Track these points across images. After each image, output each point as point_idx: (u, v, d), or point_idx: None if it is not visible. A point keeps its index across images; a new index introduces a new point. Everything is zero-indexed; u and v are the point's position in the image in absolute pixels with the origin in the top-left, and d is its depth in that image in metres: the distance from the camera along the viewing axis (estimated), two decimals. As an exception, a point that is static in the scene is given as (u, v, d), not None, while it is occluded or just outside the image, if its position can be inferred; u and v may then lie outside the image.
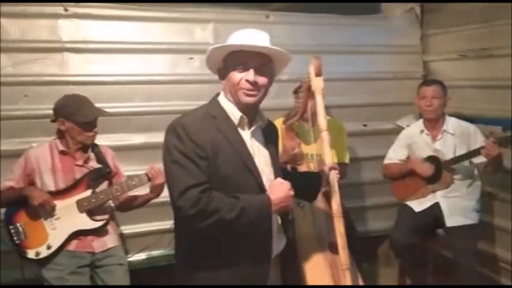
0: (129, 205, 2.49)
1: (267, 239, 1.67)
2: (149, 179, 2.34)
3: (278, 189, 1.65)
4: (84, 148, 2.37)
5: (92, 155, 2.39)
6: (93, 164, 2.38)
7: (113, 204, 2.51)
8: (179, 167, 1.55)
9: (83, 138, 2.31)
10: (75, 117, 2.26)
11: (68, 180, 2.31)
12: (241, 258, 1.63)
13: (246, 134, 1.69)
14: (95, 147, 2.42)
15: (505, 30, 2.82)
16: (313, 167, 2.42)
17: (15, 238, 2.26)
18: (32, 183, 2.31)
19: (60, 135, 2.34)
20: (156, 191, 2.37)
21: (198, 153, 1.56)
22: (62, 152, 2.33)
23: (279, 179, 1.68)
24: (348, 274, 1.74)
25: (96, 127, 2.35)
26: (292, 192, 1.66)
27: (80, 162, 2.35)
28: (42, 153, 2.32)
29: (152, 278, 2.90)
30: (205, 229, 1.55)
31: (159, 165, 1.84)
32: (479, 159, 2.59)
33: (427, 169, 2.74)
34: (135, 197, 2.48)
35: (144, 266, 2.96)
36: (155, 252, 3.00)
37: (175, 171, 1.57)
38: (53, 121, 2.33)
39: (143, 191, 2.45)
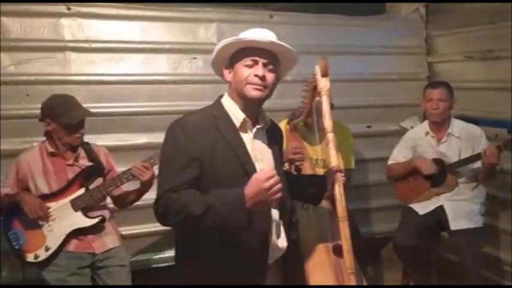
0: (125, 200, 2.47)
1: (262, 245, 1.64)
2: (135, 177, 2.30)
3: (253, 182, 1.50)
4: (73, 147, 2.35)
5: (82, 153, 2.37)
6: (85, 162, 2.36)
7: (111, 206, 2.49)
8: (166, 168, 1.59)
9: (69, 140, 2.29)
10: (61, 118, 2.24)
11: (61, 182, 2.29)
12: (236, 262, 1.61)
13: (247, 136, 1.68)
14: (85, 145, 2.39)
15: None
16: (318, 172, 2.38)
17: (14, 243, 2.26)
18: (26, 188, 2.29)
19: (48, 136, 2.32)
20: (146, 185, 2.32)
21: (192, 153, 1.56)
22: (51, 154, 2.31)
23: (259, 173, 1.56)
24: (352, 278, 1.72)
25: (83, 128, 2.32)
26: (267, 184, 1.47)
27: (71, 162, 2.33)
28: (33, 157, 2.30)
29: (152, 279, 2.88)
30: (180, 227, 1.59)
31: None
32: (479, 164, 2.56)
33: (430, 166, 2.70)
34: (129, 192, 2.45)
35: (144, 267, 2.93)
36: (155, 253, 2.98)
37: (162, 173, 1.61)
38: (41, 120, 2.30)
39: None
